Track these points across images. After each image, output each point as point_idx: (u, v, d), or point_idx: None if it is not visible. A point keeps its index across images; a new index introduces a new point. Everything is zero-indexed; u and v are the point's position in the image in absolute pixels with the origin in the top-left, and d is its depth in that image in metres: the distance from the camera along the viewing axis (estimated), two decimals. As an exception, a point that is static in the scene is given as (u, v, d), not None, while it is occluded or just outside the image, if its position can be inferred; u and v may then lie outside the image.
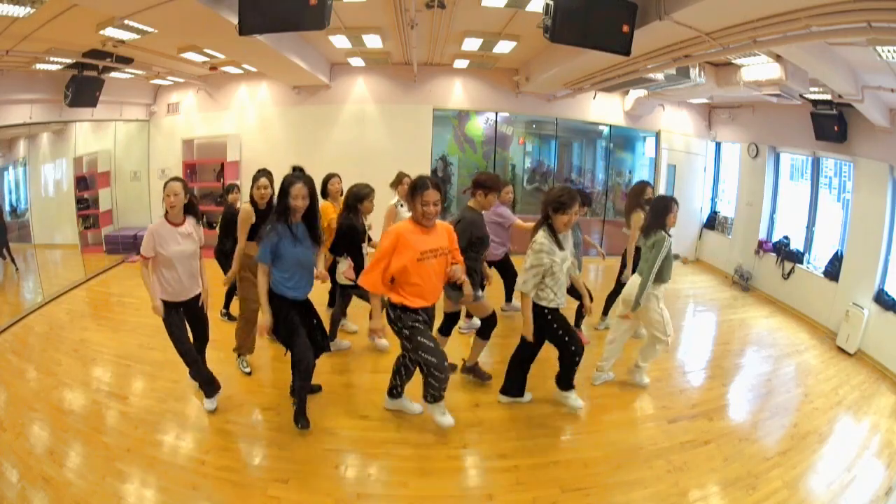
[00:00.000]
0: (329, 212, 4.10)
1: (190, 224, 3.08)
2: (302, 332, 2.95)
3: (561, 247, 3.02)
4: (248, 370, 3.78)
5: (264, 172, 3.72)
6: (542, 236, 2.98)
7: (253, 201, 3.62)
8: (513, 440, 3.09)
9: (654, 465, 2.93)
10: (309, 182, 2.88)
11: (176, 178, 3.04)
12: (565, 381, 3.31)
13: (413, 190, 2.67)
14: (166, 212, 3.00)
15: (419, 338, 2.75)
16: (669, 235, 3.47)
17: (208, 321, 3.27)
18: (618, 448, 3.08)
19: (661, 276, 3.48)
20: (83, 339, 4.36)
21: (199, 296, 3.15)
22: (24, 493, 2.50)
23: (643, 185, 4.64)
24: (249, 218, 3.56)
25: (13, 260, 5.76)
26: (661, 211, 3.51)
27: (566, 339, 3.14)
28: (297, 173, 2.91)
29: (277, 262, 2.87)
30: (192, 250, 3.05)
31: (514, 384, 3.41)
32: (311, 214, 2.94)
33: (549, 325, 3.11)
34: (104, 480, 2.62)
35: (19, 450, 2.84)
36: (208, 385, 3.25)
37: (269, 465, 2.83)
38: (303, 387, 3.04)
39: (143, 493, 2.58)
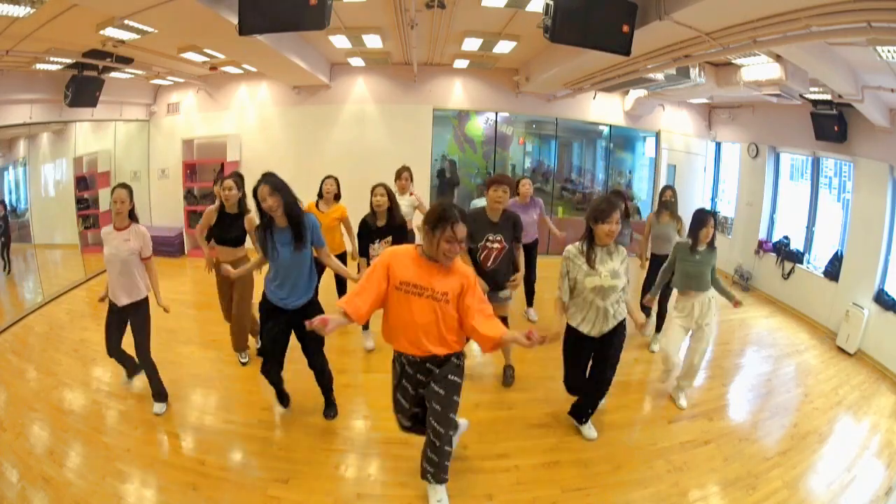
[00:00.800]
0: (311, 211, 4.17)
1: (131, 231, 3.09)
2: (273, 347, 3.00)
3: (592, 264, 2.76)
4: (244, 360, 3.94)
5: (232, 175, 3.75)
6: (570, 245, 2.88)
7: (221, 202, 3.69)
8: (513, 440, 3.09)
9: (654, 465, 2.93)
10: (272, 181, 2.77)
11: (122, 185, 3.09)
12: (571, 411, 3.22)
13: (440, 219, 2.15)
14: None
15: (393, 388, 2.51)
16: (696, 250, 3.40)
17: (143, 328, 3.20)
18: (618, 448, 3.08)
19: (683, 287, 3.46)
20: (83, 339, 4.36)
21: (134, 304, 3.14)
22: (24, 493, 2.50)
23: (663, 188, 4.78)
24: (209, 216, 3.67)
25: (9, 261, 5.76)
26: (694, 224, 3.45)
27: (565, 370, 3.05)
28: (263, 176, 2.84)
29: (270, 263, 2.90)
30: (125, 257, 3.05)
31: (573, 408, 3.23)
32: (291, 213, 2.81)
33: (563, 342, 2.99)
34: (104, 480, 2.62)
35: (19, 450, 2.84)
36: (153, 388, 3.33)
37: (269, 465, 2.83)
38: (272, 386, 3.19)
39: (143, 493, 2.58)
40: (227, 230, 3.67)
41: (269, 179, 2.77)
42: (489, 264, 3.36)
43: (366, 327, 4.28)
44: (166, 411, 3.28)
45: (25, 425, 3.09)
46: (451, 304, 2.23)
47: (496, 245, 3.34)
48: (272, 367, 3.05)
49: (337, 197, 4.34)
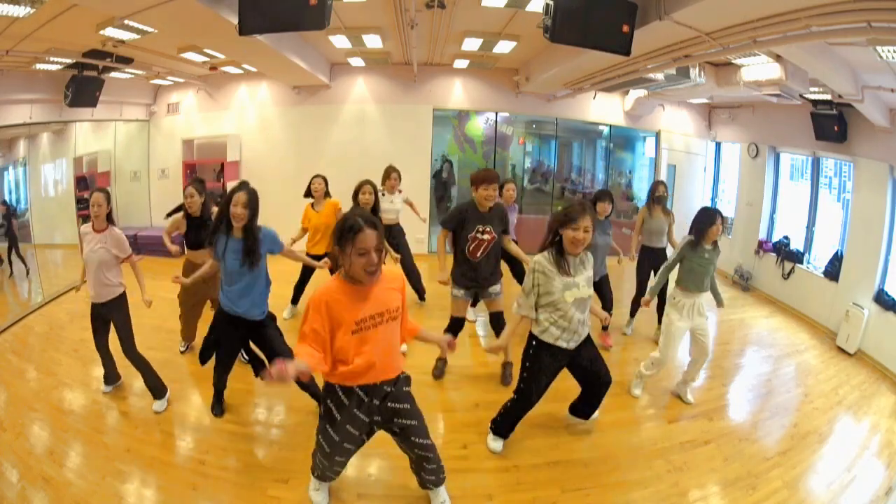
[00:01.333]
0: (308, 214, 4.51)
1: (109, 233, 3.18)
2: (229, 361, 3.15)
3: (567, 272, 2.54)
4: (182, 349, 4.11)
5: (193, 182, 3.86)
6: (539, 256, 2.59)
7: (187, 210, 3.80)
8: (513, 440, 3.08)
9: (654, 465, 2.93)
10: (252, 195, 2.83)
11: (100, 189, 3.19)
12: (496, 422, 2.99)
13: (342, 233, 1.92)
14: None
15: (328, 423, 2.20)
16: (703, 247, 3.36)
17: (124, 325, 3.27)
18: (618, 448, 3.08)
19: (685, 284, 3.41)
20: (83, 339, 4.35)
21: (111, 302, 3.22)
22: (24, 493, 2.50)
23: (655, 183, 4.80)
24: (177, 223, 3.79)
25: (23, 261, 5.83)
26: (701, 222, 3.37)
27: (521, 386, 2.81)
28: (243, 183, 2.90)
29: (221, 268, 2.95)
30: (101, 257, 3.14)
31: (578, 408, 3.18)
32: (249, 230, 2.83)
33: (525, 356, 2.76)
34: (104, 480, 2.62)
35: (19, 450, 2.84)
36: (147, 380, 3.37)
37: (269, 465, 2.83)
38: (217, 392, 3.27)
39: (143, 493, 2.58)
40: (196, 234, 3.76)
41: (251, 192, 2.84)
42: (479, 255, 3.37)
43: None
44: (166, 409, 3.28)
45: (25, 425, 3.09)
46: (402, 314, 2.14)
47: (486, 236, 3.36)
48: (224, 375, 3.19)
49: (327, 194, 4.51)
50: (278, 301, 5.14)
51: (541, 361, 2.72)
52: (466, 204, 3.42)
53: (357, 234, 1.88)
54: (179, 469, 2.75)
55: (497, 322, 3.61)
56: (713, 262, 3.41)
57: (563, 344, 2.66)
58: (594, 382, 2.95)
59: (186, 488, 2.61)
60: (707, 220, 3.36)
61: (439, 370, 3.81)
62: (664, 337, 3.49)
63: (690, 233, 3.45)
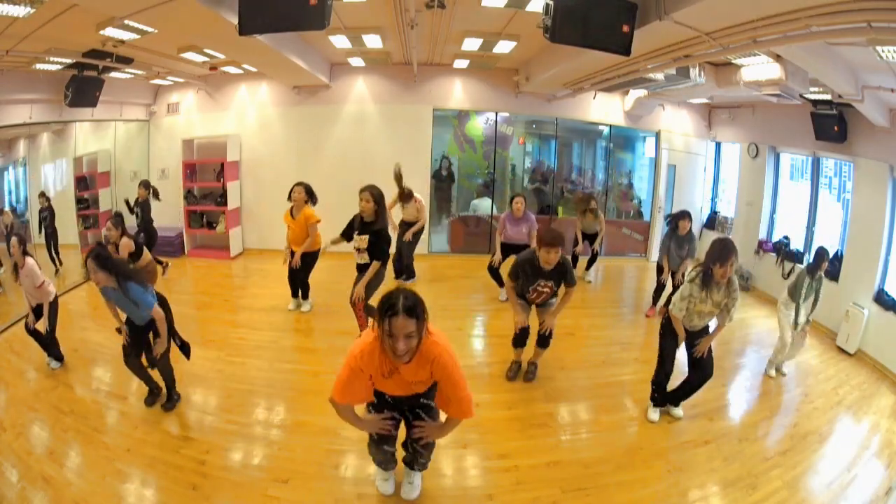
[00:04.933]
0: (286, 217, 4.82)
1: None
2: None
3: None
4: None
5: (111, 217, 4.63)
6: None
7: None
8: (513, 440, 3.09)
9: (654, 465, 2.93)
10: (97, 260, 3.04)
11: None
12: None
13: (381, 308, 1.89)
14: None
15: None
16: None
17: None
18: (618, 448, 3.09)
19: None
20: (83, 339, 4.37)
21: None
22: (24, 493, 2.50)
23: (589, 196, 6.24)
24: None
25: (55, 261, 6.08)
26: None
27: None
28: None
29: None
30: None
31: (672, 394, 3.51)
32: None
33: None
34: (104, 480, 2.63)
35: (19, 450, 2.85)
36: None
37: (269, 465, 2.83)
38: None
39: (143, 493, 2.58)
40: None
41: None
42: (538, 301, 3.65)
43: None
44: (60, 367, 3.86)
45: (25, 425, 3.09)
46: (425, 384, 2.21)
47: (546, 290, 3.55)
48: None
49: (309, 201, 4.72)
50: (279, 301, 5.17)
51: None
52: (527, 261, 3.49)
53: (391, 317, 1.85)
54: (179, 469, 2.75)
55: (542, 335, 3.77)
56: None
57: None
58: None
59: (186, 488, 2.61)
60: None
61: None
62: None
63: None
